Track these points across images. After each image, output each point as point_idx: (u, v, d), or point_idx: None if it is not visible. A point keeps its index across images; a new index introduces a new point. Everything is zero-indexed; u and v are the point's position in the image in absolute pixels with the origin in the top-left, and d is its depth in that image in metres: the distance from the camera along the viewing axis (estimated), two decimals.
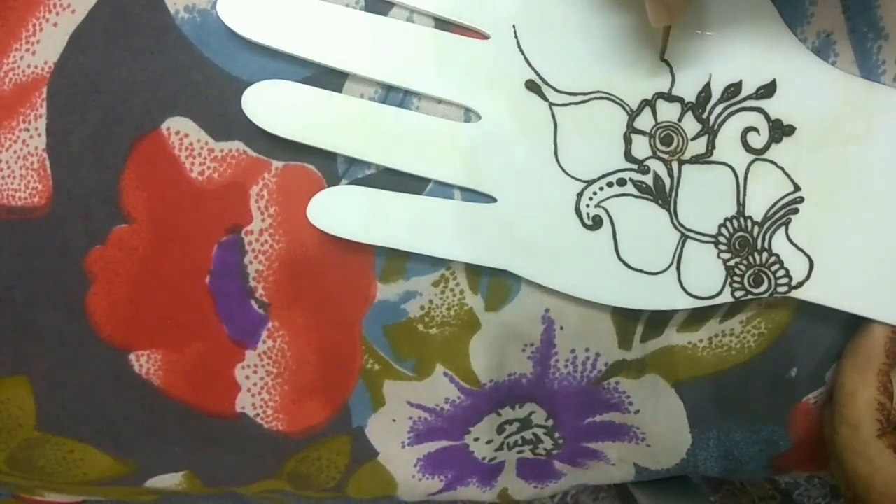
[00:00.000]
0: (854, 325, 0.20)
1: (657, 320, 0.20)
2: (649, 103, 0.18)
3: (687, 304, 0.19)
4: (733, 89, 0.18)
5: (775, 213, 0.19)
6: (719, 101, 0.18)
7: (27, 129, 0.19)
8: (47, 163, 0.19)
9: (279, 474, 0.23)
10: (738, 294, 0.19)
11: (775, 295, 0.19)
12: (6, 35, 0.19)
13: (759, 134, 0.18)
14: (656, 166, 0.19)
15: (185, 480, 0.23)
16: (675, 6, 0.16)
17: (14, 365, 0.21)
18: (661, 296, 0.19)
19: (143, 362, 0.21)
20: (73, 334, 0.20)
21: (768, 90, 0.18)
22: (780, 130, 0.18)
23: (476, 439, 0.23)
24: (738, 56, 0.18)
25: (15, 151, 0.19)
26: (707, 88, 0.18)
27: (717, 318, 0.20)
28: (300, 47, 0.18)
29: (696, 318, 0.20)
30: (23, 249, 0.20)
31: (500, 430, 0.23)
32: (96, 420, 0.21)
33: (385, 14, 0.18)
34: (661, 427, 0.22)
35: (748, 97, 0.18)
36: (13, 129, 0.19)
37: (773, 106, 0.18)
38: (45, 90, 0.19)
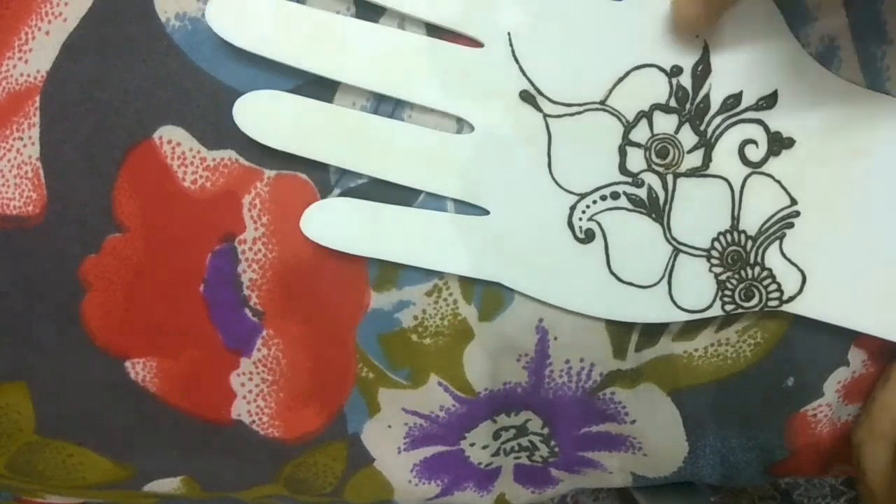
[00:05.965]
0: (852, 336, 0.20)
1: (652, 330, 0.20)
2: (646, 115, 0.18)
3: (677, 317, 0.19)
4: (733, 100, 0.18)
5: (770, 227, 0.18)
6: (718, 113, 0.18)
7: (21, 138, 0.19)
8: (41, 172, 0.19)
9: (276, 480, 0.23)
10: (728, 308, 0.19)
11: (766, 309, 0.19)
12: None
13: (757, 147, 0.18)
14: (651, 179, 0.18)
15: (183, 485, 0.23)
16: (710, 14, 0.15)
17: (12, 371, 0.21)
18: (652, 309, 0.19)
19: (139, 369, 0.21)
20: (69, 342, 0.20)
21: (769, 101, 0.18)
22: (779, 143, 0.18)
23: (472, 444, 0.23)
24: (739, 65, 0.18)
25: (9, 160, 0.19)
26: (706, 99, 0.18)
27: (712, 328, 0.20)
28: (290, 56, 0.18)
29: (692, 327, 0.20)
30: (18, 258, 0.20)
31: (496, 436, 0.23)
32: (95, 425, 0.22)
33: (375, 20, 0.18)
34: (658, 436, 0.22)
35: (748, 108, 0.18)
36: (7, 137, 0.19)
37: (773, 118, 0.18)
38: (38, 99, 0.19)
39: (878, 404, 0.20)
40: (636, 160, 0.18)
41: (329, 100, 0.18)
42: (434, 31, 0.18)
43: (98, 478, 0.23)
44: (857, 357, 0.21)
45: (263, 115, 0.18)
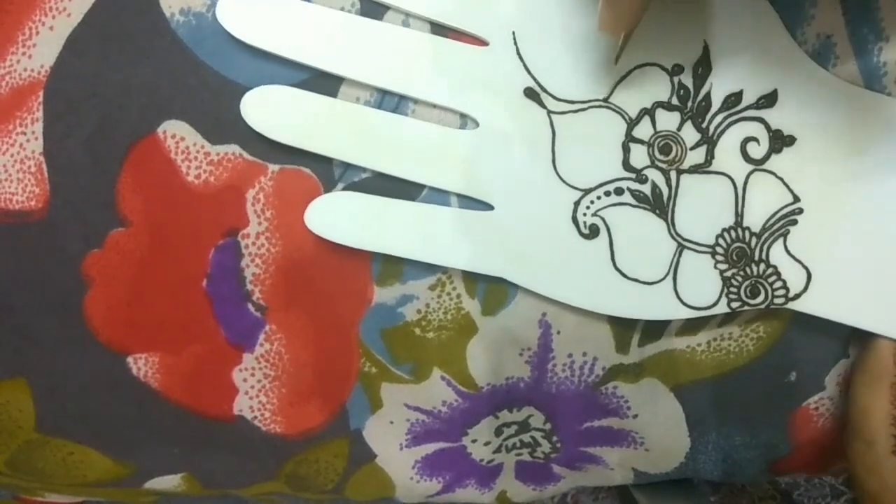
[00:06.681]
0: (854, 331, 0.20)
1: (654, 325, 0.20)
2: (648, 112, 0.18)
3: (682, 314, 0.19)
4: (734, 99, 0.18)
5: (774, 223, 0.19)
6: (719, 111, 0.18)
7: (24, 133, 0.19)
8: (44, 167, 0.19)
9: (278, 476, 0.23)
10: (734, 305, 0.19)
11: (772, 306, 0.19)
12: (2, 39, 0.19)
13: (758, 144, 0.18)
14: (654, 175, 0.18)
15: (184, 482, 0.23)
16: (624, 17, 0.15)
17: (13, 368, 0.21)
18: (657, 305, 0.19)
19: (141, 365, 0.21)
20: (71, 338, 0.20)
21: (769, 100, 0.18)
22: (780, 141, 0.18)
23: (474, 441, 0.23)
24: (739, 65, 0.18)
25: (12, 155, 0.19)
26: (707, 98, 0.18)
27: (715, 323, 0.20)
28: (296, 51, 0.18)
29: (695, 322, 0.20)
30: (20, 253, 0.20)
31: (497, 432, 0.23)
32: (95, 422, 0.22)
33: (380, 18, 0.18)
34: (660, 431, 0.22)
35: (748, 107, 0.18)
36: (10, 132, 0.19)
37: (773, 116, 0.18)
38: (41, 94, 0.19)
39: (877, 421, 0.19)
40: (639, 156, 0.18)
41: (333, 94, 0.18)
42: (440, 29, 0.18)
43: (98, 475, 0.23)
44: (857, 350, 0.21)
45: (270, 109, 0.18)
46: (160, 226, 0.19)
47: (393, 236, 0.19)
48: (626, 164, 0.18)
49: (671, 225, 0.19)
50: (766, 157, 0.18)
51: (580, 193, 0.18)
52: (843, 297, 0.19)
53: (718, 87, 0.18)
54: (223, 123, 0.19)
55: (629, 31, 0.17)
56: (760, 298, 0.19)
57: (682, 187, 0.18)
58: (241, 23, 0.18)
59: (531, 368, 0.21)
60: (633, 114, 0.18)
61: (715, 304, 0.19)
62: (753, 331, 0.20)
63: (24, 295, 0.20)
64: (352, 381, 0.21)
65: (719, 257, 0.19)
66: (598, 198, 0.18)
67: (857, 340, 0.21)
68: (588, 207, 0.19)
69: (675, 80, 0.18)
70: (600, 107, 0.18)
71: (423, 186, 0.19)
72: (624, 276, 0.19)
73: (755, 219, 0.19)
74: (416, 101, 0.18)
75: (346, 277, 0.20)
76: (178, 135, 0.19)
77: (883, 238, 0.18)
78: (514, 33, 0.18)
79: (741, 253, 0.19)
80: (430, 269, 0.20)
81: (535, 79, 0.18)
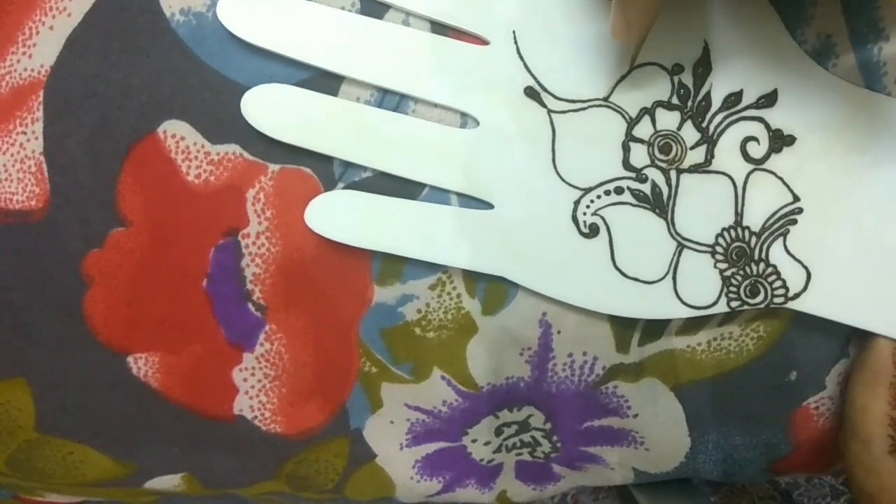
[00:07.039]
0: (853, 330, 0.20)
1: (655, 324, 0.20)
2: (648, 111, 0.18)
3: (682, 313, 0.19)
4: (734, 98, 0.18)
5: (774, 223, 0.19)
6: (719, 111, 0.18)
7: (24, 133, 0.19)
8: (44, 166, 0.19)
9: (278, 476, 0.23)
10: (733, 304, 0.19)
11: (771, 305, 0.19)
12: (2, 38, 0.19)
13: (758, 144, 0.18)
14: (654, 175, 0.18)
15: (184, 482, 0.23)
16: (636, 25, 0.16)
17: (13, 367, 0.21)
18: (657, 304, 0.19)
19: (141, 365, 0.21)
20: (70, 337, 0.20)
21: (769, 99, 0.18)
22: (780, 140, 0.18)
23: (474, 441, 0.23)
24: (739, 64, 0.18)
25: (12, 155, 0.19)
26: (707, 97, 0.18)
27: (715, 322, 0.20)
28: (297, 50, 0.18)
29: (695, 322, 0.20)
30: (20, 253, 0.20)
31: (497, 432, 0.23)
32: (95, 422, 0.22)
33: (380, 17, 0.18)
34: (660, 431, 0.22)
35: (748, 106, 0.18)
36: (10, 132, 0.19)
37: (773, 115, 0.18)
38: (41, 94, 0.19)
39: (875, 421, 0.19)
40: (639, 156, 0.18)
41: (334, 93, 0.18)
42: (440, 29, 0.18)
43: (98, 475, 0.23)
44: (857, 349, 0.21)
45: (271, 108, 0.18)
46: (160, 225, 0.19)
47: (393, 235, 0.19)
48: (627, 164, 0.18)
49: (671, 224, 0.19)
50: (766, 157, 0.18)
51: (580, 192, 0.18)
52: (843, 296, 0.19)
53: (718, 86, 0.18)
54: (223, 123, 0.19)
55: (641, 38, 0.17)
56: (760, 298, 0.19)
57: (682, 187, 0.18)
58: (241, 22, 0.18)
59: (531, 368, 0.21)
60: (634, 113, 0.18)
61: (714, 304, 0.19)
62: (753, 330, 0.20)
63: (24, 295, 0.20)
64: (352, 380, 0.21)
65: (719, 256, 0.19)
66: (598, 197, 0.19)
67: (857, 340, 0.21)
68: (588, 206, 0.19)
69: (676, 79, 0.18)
70: (600, 106, 0.18)
71: (423, 185, 0.19)
72: (624, 275, 0.19)
73: (755, 218, 0.19)
74: (416, 101, 0.19)
75: (346, 277, 0.20)
76: (178, 134, 0.19)
77: (882, 238, 0.18)
78: (514, 32, 0.18)
79: (741, 252, 0.19)
80: (431, 268, 0.20)
81: (535, 78, 0.18)
